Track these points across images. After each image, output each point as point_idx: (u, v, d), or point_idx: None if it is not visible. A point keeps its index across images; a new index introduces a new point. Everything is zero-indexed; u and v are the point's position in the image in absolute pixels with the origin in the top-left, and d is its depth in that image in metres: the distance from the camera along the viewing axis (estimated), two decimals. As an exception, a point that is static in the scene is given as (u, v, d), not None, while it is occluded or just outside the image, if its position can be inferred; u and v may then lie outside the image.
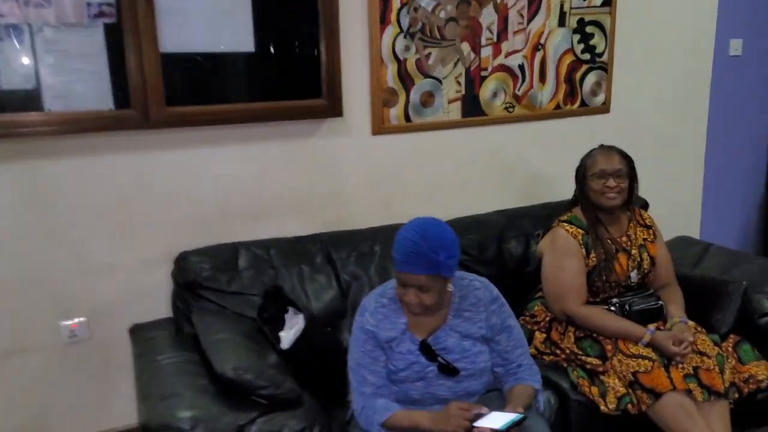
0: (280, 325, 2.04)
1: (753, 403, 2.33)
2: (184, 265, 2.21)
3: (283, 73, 2.44)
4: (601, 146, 2.36)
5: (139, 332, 2.22)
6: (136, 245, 2.34)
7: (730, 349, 2.27)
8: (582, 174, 2.34)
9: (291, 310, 2.11)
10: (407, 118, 2.68)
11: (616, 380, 2.13)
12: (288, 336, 1.97)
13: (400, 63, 2.61)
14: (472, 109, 2.80)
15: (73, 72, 2.09)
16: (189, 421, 1.61)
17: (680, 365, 2.12)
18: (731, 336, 2.33)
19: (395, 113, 2.66)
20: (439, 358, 1.78)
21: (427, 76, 2.67)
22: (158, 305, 2.37)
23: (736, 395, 2.18)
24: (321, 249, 2.41)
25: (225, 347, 1.86)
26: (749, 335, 2.35)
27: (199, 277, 2.18)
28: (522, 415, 1.62)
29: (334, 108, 2.47)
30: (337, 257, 2.41)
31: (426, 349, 1.78)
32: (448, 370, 1.77)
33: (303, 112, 2.44)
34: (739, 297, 2.37)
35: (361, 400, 1.76)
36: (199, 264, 2.20)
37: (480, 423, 1.59)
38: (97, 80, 2.13)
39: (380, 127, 2.64)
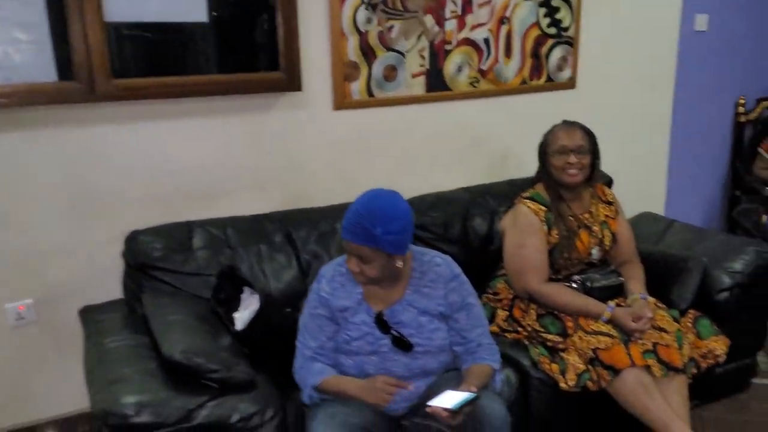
0: (235, 305, 1.99)
1: (711, 377, 2.36)
2: (134, 245, 2.13)
3: (238, 45, 2.35)
4: (564, 122, 2.33)
5: (89, 314, 2.14)
6: (86, 224, 2.26)
7: (689, 324, 2.28)
8: (544, 150, 2.31)
9: (247, 290, 2.05)
10: (370, 93, 2.62)
11: (576, 357, 2.12)
12: (242, 317, 1.92)
13: (362, 35, 2.53)
14: (437, 84, 2.74)
15: (12, 42, 1.99)
16: (134, 406, 1.55)
17: (639, 341, 2.12)
18: (691, 311, 2.33)
19: (357, 88, 2.59)
20: (393, 331, 1.77)
21: (389, 49, 2.60)
22: (111, 286, 2.29)
23: (695, 370, 2.20)
24: (280, 228, 2.35)
25: (175, 329, 1.80)
26: (708, 310, 2.36)
27: (151, 258, 2.11)
28: (474, 395, 1.60)
29: (292, 82, 2.39)
30: (297, 236, 2.35)
31: (380, 321, 1.77)
32: (402, 344, 1.76)
33: (260, 85, 2.36)
34: (699, 273, 2.38)
35: (301, 360, 1.83)
36: (150, 244, 2.13)
37: (433, 402, 1.58)
38: (38, 51, 2.03)
39: (342, 101, 2.57)
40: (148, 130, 2.28)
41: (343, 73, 2.54)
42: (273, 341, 2.02)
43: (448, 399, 1.58)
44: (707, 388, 2.45)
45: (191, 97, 2.28)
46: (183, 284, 2.12)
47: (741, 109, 3.59)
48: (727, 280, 2.41)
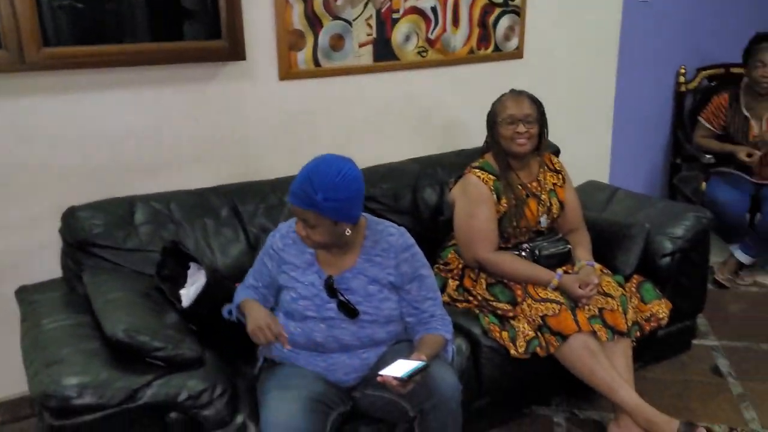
0: (181, 282, 1.93)
1: (654, 339, 2.44)
2: (72, 222, 2.05)
3: (178, 11, 2.25)
4: (512, 91, 2.33)
5: (25, 294, 2.04)
6: (20, 200, 2.15)
7: (633, 289, 2.35)
8: (492, 119, 2.31)
9: (193, 265, 2.00)
10: (316, 63, 2.56)
11: (526, 324, 2.15)
12: (188, 293, 1.87)
13: (307, 3, 2.46)
14: (385, 54, 2.70)
15: (-71, 6, 1.85)
16: (75, 388, 1.49)
17: (586, 307, 2.17)
18: (635, 276, 2.40)
19: (303, 57, 2.53)
20: (339, 295, 1.76)
21: (336, 17, 2.54)
22: (50, 264, 2.20)
23: (638, 333, 2.27)
24: (226, 202, 2.29)
25: (117, 307, 1.74)
26: (651, 275, 2.44)
27: (91, 234, 2.03)
28: (425, 363, 1.60)
29: (236, 50, 2.32)
30: (244, 210, 2.30)
31: (329, 285, 1.77)
32: (347, 310, 1.75)
33: (202, 54, 2.28)
34: (642, 239, 2.43)
35: (240, 286, 1.95)
36: (89, 220, 2.05)
37: (384, 372, 1.58)
38: (-40, 17, 1.90)
39: (288, 71, 2.51)
40: (83, 101, 2.18)
41: (288, 42, 2.47)
42: (221, 317, 1.97)
43: (399, 368, 1.58)
44: (650, 350, 2.53)
45: (128, 66, 2.19)
46: (125, 261, 2.05)
47: (682, 79, 3.68)
48: (669, 246, 2.47)
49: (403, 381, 1.55)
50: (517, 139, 2.25)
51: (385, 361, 1.73)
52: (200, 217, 2.22)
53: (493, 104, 2.33)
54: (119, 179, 2.27)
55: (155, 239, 2.10)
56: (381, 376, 1.57)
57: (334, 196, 1.64)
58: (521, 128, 2.24)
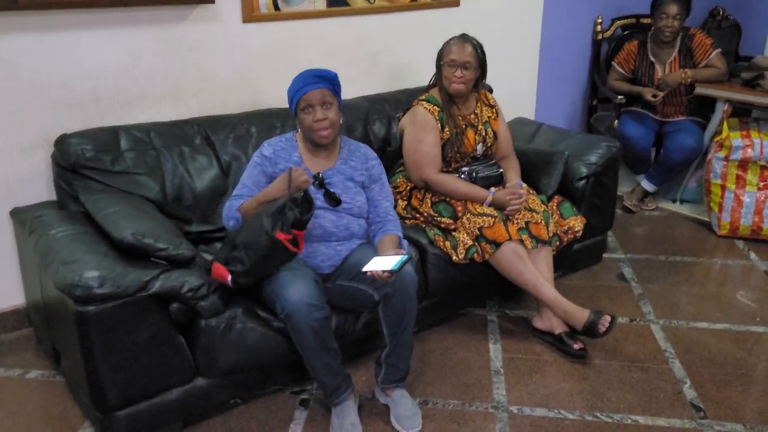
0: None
1: (571, 253, 2.87)
2: (64, 147, 2.25)
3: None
4: (459, 36, 2.61)
5: (22, 214, 2.26)
6: (6, 130, 2.33)
7: (554, 207, 2.76)
8: (439, 59, 2.61)
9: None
10: (276, 7, 2.79)
11: (465, 235, 2.53)
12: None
13: (267, -50, 2.68)
14: (337, 0, 2.96)
15: None
16: (97, 279, 1.75)
17: (515, 220, 2.56)
18: (556, 197, 2.82)
19: (264, 1, 2.75)
20: (327, 186, 2.11)
21: (293, -36, 2.78)
22: (36, 190, 2.41)
23: (558, 243, 2.69)
24: (199, 131, 2.53)
25: (121, 217, 1.98)
26: (569, 196, 2.86)
27: (82, 158, 2.24)
28: (408, 255, 1.93)
29: (205, -7, 2.53)
30: (216, 139, 2.54)
31: (318, 178, 2.10)
32: (332, 198, 2.11)
33: (174, -4, 2.48)
34: (562, 165, 2.84)
35: (232, 198, 2.14)
36: (80, 145, 2.25)
37: (370, 267, 1.88)
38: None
39: (250, 15, 2.73)
40: (67, 39, 2.36)
41: (250, -14, 2.70)
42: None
43: (382, 263, 1.88)
44: (568, 261, 2.98)
45: (108, 7, 2.37)
46: (114, 182, 2.28)
47: (598, 28, 4.07)
48: (584, 170, 2.89)
49: (393, 272, 1.87)
50: (454, 82, 2.57)
51: (356, 259, 2.07)
52: (177, 145, 2.45)
53: (443, 45, 2.62)
54: (99, 112, 2.48)
55: (139, 163, 2.34)
56: (369, 271, 1.89)
57: (337, 79, 2.06)
58: (459, 73, 2.55)
